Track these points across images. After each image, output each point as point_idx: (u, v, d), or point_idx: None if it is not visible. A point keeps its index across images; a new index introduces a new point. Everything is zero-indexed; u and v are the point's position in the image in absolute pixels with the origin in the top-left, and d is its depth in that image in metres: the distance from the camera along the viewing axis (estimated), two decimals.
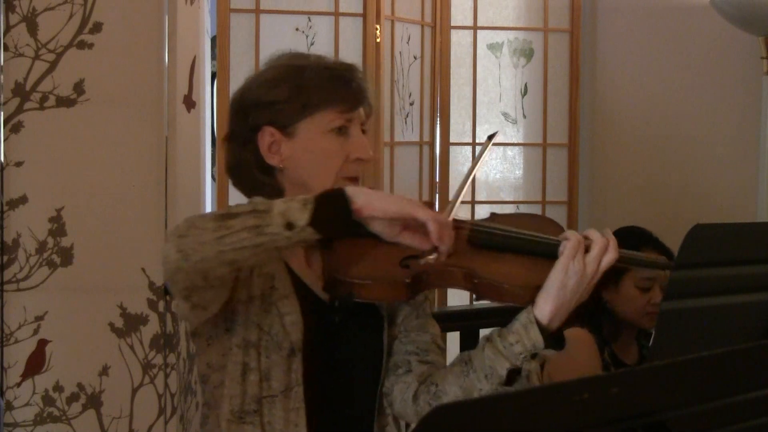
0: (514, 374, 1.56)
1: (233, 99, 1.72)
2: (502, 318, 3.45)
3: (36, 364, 2.68)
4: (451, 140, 3.61)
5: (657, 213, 3.49)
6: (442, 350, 1.76)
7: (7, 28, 2.63)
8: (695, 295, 1.30)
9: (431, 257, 1.47)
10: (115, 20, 2.69)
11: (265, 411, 1.61)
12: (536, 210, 3.64)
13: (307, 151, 1.64)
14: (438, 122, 3.60)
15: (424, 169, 3.55)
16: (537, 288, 1.56)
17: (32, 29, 2.65)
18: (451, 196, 3.60)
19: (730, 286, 1.33)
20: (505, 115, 3.67)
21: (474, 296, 1.64)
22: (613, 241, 1.55)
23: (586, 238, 1.54)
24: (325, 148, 1.64)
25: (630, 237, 2.61)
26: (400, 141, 3.42)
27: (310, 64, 1.69)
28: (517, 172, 3.70)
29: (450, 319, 3.23)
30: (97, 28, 2.69)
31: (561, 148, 3.69)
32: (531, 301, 1.57)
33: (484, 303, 3.56)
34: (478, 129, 3.64)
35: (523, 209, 3.64)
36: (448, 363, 1.72)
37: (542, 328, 1.54)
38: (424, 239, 1.44)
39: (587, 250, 1.53)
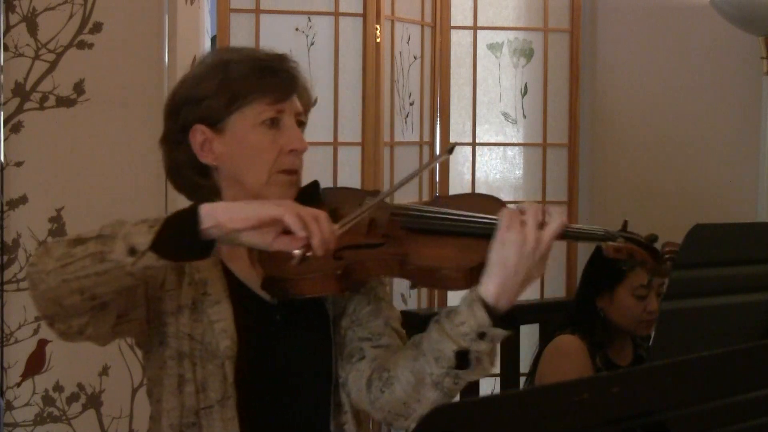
0: (464, 356, 1.48)
1: (166, 99, 1.67)
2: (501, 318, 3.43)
3: (36, 364, 2.68)
4: (451, 140, 3.60)
5: (657, 213, 3.49)
6: (399, 333, 1.69)
7: (7, 28, 2.63)
8: (695, 295, 1.30)
9: (308, 253, 1.38)
10: (115, 20, 2.69)
11: (204, 423, 1.56)
12: None
13: (238, 147, 1.59)
14: (438, 122, 3.60)
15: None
16: (472, 270, 1.48)
17: (32, 29, 2.65)
18: (451, 193, 3.60)
19: (730, 286, 1.33)
20: (505, 115, 3.67)
21: (410, 285, 1.57)
22: (556, 212, 1.47)
23: (522, 212, 1.46)
24: (256, 141, 1.58)
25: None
26: (400, 141, 3.42)
27: (236, 57, 1.62)
28: (517, 172, 3.70)
29: None
30: (97, 28, 2.69)
31: (561, 148, 3.69)
32: (470, 284, 1.49)
33: None
34: (478, 129, 3.64)
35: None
36: None
37: (490, 308, 1.46)
38: (297, 238, 1.37)
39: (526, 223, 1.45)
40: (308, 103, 1.69)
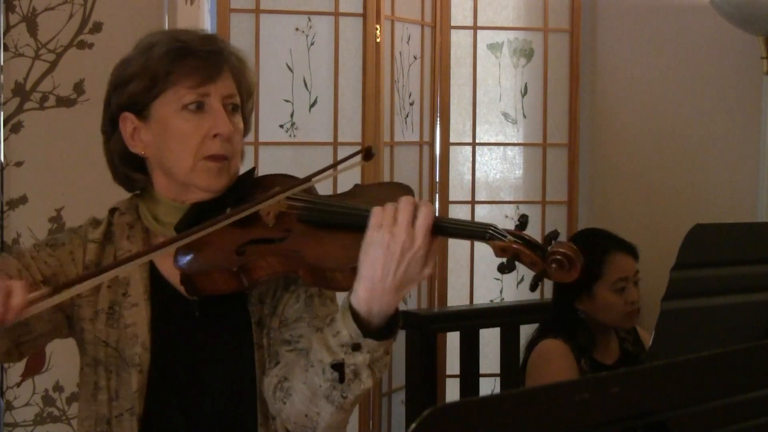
0: (341, 367, 1.34)
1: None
2: (501, 318, 3.46)
3: (36, 364, 2.68)
4: (451, 140, 3.60)
5: (657, 213, 3.49)
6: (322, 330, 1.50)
7: (7, 28, 2.63)
8: (695, 295, 1.30)
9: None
10: (115, 20, 2.69)
11: (116, 431, 1.51)
12: (536, 210, 3.64)
13: (163, 134, 1.51)
14: (438, 122, 3.60)
15: (424, 169, 3.55)
16: (354, 270, 1.34)
17: (32, 29, 2.65)
18: (448, 197, 3.60)
19: (730, 286, 1.33)
20: (505, 115, 3.67)
21: (307, 285, 1.47)
22: (426, 206, 1.32)
23: (395, 208, 1.32)
24: (179, 127, 1.50)
25: (595, 239, 2.60)
26: (400, 141, 3.42)
27: (160, 39, 1.54)
28: (517, 172, 3.70)
29: (450, 319, 3.23)
30: (97, 28, 2.69)
31: (561, 148, 3.69)
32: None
33: (485, 303, 3.58)
34: (478, 129, 3.64)
35: (523, 209, 3.63)
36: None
37: (362, 315, 1.32)
38: None
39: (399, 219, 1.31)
40: (247, 86, 1.59)
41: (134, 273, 1.53)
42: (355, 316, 1.32)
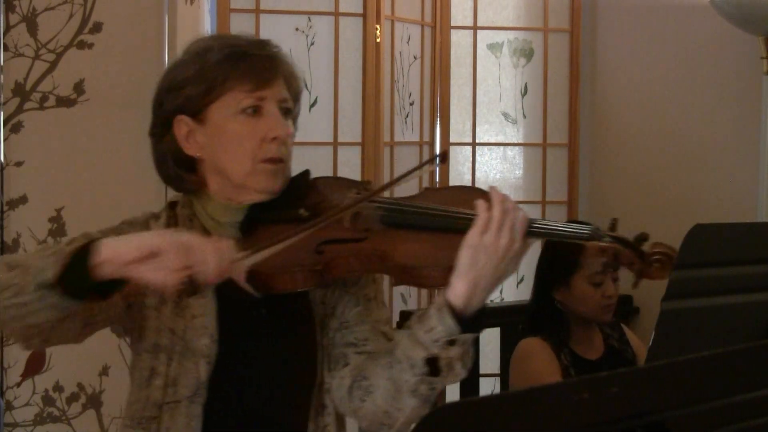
0: (435, 363, 1.42)
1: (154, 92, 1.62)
2: (501, 318, 3.46)
3: (36, 364, 2.68)
4: (451, 140, 3.61)
5: (657, 213, 3.49)
6: (387, 335, 1.61)
7: (7, 28, 2.63)
8: (695, 295, 1.30)
9: (193, 285, 1.33)
10: (115, 20, 2.69)
11: (165, 417, 1.53)
12: (536, 210, 3.64)
13: (220, 137, 1.54)
14: (438, 122, 3.60)
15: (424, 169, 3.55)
16: (449, 268, 1.42)
17: (32, 29, 2.66)
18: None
19: (730, 286, 1.33)
20: (505, 115, 3.67)
21: (392, 283, 1.53)
22: (521, 210, 1.43)
23: (496, 210, 1.40)
24: (236, 130, 1.53)
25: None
26: (400, 141, 3.42)
27: (215, 43, 1.57)
28: (517, 172, 3.70)
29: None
30: (97, 28, 2.69)
31: (561, 148, 3.69)
32: (446, 281, 1.43)
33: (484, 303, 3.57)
34: (478, 129, 3.64)
35: (523, 209, 3.63)
36: None
37: (458, 313, 1.40)
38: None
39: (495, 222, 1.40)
40: (296, 90, 1.63)
41: None
42: (452, 312, 1.40)
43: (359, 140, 3.27)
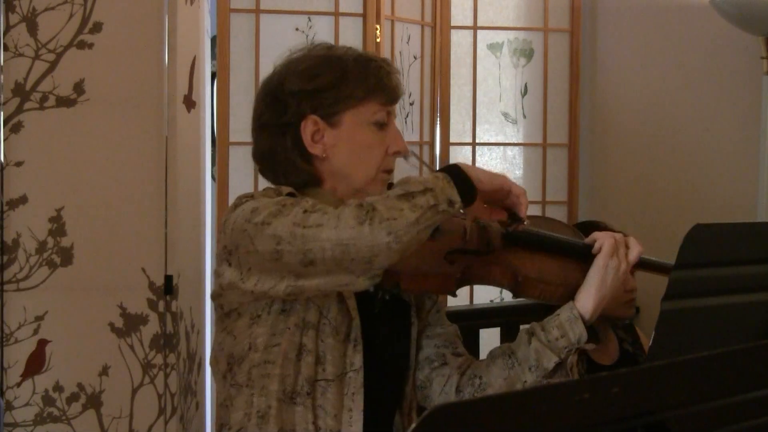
0: (557, 366, 1.63)
1: (266, 88, 1.70)
2: (502, 318, 3.46)
3: (36, 364, 2.68)
4: (451, 140, 3.61)
5: (657, 213, 3.49)
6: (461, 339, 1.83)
7: (7, 28, 2.63)
8: (695, 295, 1.30)
9: (520, 225, 1.58)
10: (115, 20, 2.69)
11: (318, 394, 1.60)
12: (536, 210, 3.64)
13: (350, 142, 1.65)
14: (438, 122, 3.60)
15: (424, 169, 3.55)
16: (572, 286, 1.63)
17: (32, 29, 2.65)
18: None
19: (730, 286, 1.33)
20: (505, 115, 3.67)
21: (512, 294, 1.67)
22: (633, 241, 1.67)
23: (615, 239, 1.66)
24: (367, 140, 1.66)
25: (594, 229, 2.59)
26: None
27: (350, 54, 1.69)
28: (517, 172, 3.70)
29: (450, 319, 3.22)
30: (97, 28, 2.69)
31: (561, 148, 3.69)
32: (565, 299, 1.64)
33: (484, 303, 3.57)
34: (478, 129, 3.64)
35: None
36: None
37: (584, 323, 1.61)
38: (503, 212, 1.58)
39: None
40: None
41: None
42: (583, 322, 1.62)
43: None
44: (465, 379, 1.72)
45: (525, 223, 1.59)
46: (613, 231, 2.58)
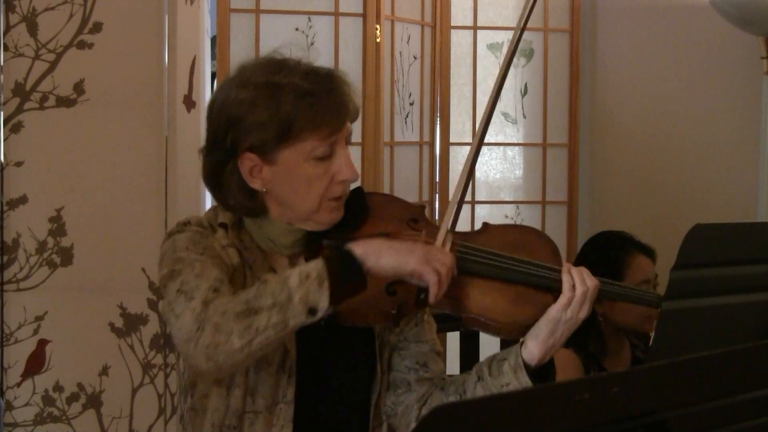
0: None
1: (211, 107, 1.61)
2: None
3: (36, 364, 2.68)
4: (451, 140, 3.61)
5: (657, 213, 3.49)
6: (440, 354, 1.74)
7: (7, 28, 2.63)
8: (695, 295, 1.30)
9: (428, 299, 1.46)
10: (115, 20, 2.69)
11: (245, 427, 1.57)
12: (536, 210, 3.64)
13: (289, 177, 1.56)
14: (438, 122, 3.60)
15: (424, 169, 3.55)
16: (521, 326, 1.54)
17: (32, 29, 2.65)
18: (450, 197, 3.60)
19: (730, 286, 1.33)
20: (505, 115, 3.67)
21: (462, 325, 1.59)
22: (593, 279, 1.55)
23: (573, 283, 1.53)
24: (307, 174, 1.55)
25: (616, 241, 2.58)
26: (400, 141, 3.42)
27: (287, 81, 1.55)
28: (517, 172, 3.70)
29: (450, 319, 3.22)
30: (97, 28, 2.69)
31: (561, 148, 3.69)
32: (515, 336, 1.56)
33: None
34: (478, 129, 3.64)
35: (523, 209, 3.63)
36: (447, 366, 1.70)
37: (531, 368, 1.54)
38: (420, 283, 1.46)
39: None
40: (356, 117, 1.64)
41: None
42: (527, 370, 1.54)
43: (359, 140, 3.26)
44: (424, 412, 1.63)
45: (430, 304, 1.47)
46: (640, 243, 2.59)
